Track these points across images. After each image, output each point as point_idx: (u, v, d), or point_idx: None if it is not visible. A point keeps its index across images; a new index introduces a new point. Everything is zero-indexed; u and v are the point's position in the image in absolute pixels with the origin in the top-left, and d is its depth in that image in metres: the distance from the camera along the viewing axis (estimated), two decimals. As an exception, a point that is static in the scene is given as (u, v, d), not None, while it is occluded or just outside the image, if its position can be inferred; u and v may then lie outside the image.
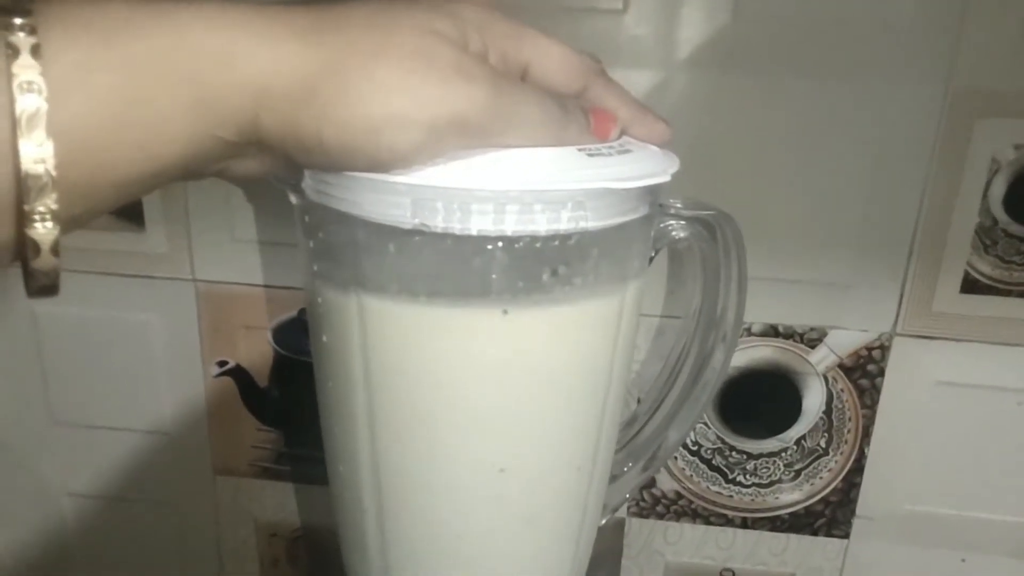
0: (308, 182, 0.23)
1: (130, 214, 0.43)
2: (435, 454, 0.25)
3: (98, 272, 0.45)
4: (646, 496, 0.47)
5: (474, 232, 0.22)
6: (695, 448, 0.46)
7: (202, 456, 0.49)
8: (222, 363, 0.46)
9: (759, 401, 0.44)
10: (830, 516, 0.46)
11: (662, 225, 0.29)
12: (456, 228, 0.22)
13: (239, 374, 0.46)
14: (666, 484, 0.46)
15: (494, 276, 0.22)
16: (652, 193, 0.26)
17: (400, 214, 0.22)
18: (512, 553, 0.27)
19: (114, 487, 0.50)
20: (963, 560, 0.46)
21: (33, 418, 0.49)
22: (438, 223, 0.22)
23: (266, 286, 0.44)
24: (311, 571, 0.51)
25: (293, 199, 0.25)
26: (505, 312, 0.22)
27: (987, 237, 0.40)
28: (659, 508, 0.47)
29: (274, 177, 0.24)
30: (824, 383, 0.43)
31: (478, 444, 0.24)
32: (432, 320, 0.23)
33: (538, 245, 0.23)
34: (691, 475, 0.46)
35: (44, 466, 0.50)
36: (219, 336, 0.46)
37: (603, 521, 0.32)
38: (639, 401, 0.41)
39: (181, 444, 0.48)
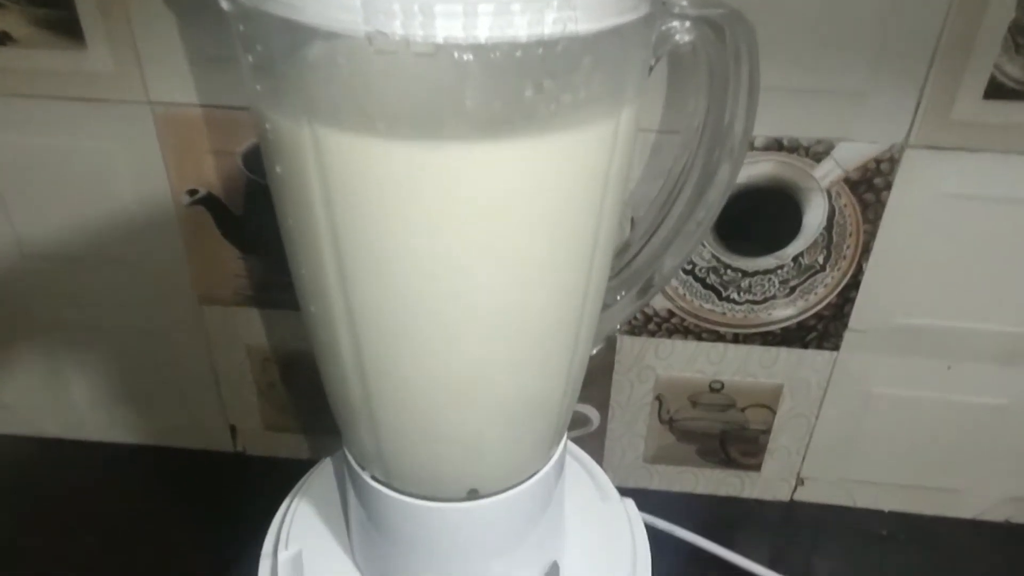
0: (238, -20, 0.19)
1: (66, 28, 0.37)
2: (410, 298, 0.22)
3: (46, 96, 0.40)
4: (638, 315, 0.45)
5: (440, 40, 0.18)
6: (689, 267, 0.43)
7: (184, 287, 0.46)
8: (192, 192, 0.42)
9: (758, 218, 0.41)
10: (822, 330, 0.44)
11: (664, 28, 0.24)
12: (418, 35, 0.17)
13: (212, 203, 0.42)
14: (659, 303, 0.44)
15: (466, 96, 0.18)
16: (654, -13, 0.21)
17: (350, 19, 0.18)
18: (501, 387, 0.25)
19: (99, 318, 0.48)
20: (948, 368, 0.45)
21: (2, 253, 0.46)
22: (396, 29, 0.17)
23: (230, 107, 0.39)
24: (308, 393, 0.50)
25: (223, 3, 0.20)
26: (481, 142, 0.19)
27: (1022, 35, 0.35)
28: (651, 326, 0.45)
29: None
30: (827, 198, 0.40)
31: (458, 286, 0.21)
32: (395, 154, 0.19)
33: (518, 55, 0.18)
34: (684, 294, 0.44)
35: (18, 299, 0.48)
36: (186, 163, 0.41)
37: (594, 351, 0.29)
38: (633, 223, 0.38)
39: (161, 275, 0.45)
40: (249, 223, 0.43)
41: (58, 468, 0.53)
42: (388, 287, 0.21)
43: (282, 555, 0.32)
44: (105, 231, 0.44)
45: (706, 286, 0.43)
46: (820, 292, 0.43)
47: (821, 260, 0.42)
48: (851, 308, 0.44)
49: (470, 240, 0.20)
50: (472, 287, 0.22)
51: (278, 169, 0.22)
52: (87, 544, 0.47)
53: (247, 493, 0.49)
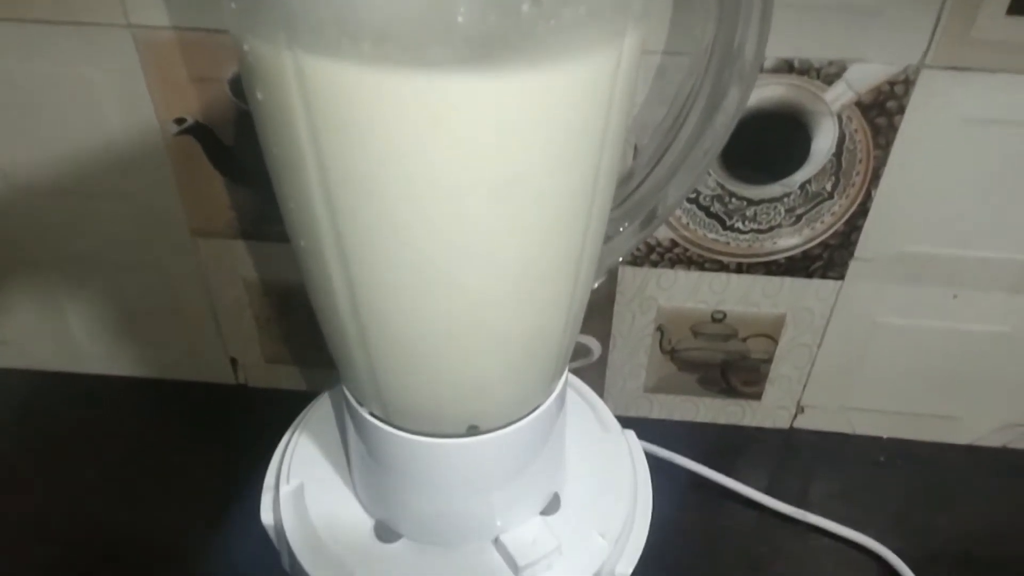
0: None
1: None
2: (403, 231, 0.20)
3: (17, 19, 0.38)
4: (640, 245, 0.44)
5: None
6: (693, 196, 0.42)
7: (177, 219, 0.45)
8: (180, 120, 0.40)
9: (765, 145, 0.39)
10: (827, 259, 0.43)
11: (672, -63, 0.23)
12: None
13: (201, 132, 0.41)
14: (661, 232, 0.43)
15: (459, 8, 0.16)
16: None
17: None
18: (500, 322, 0.24)
19: (92, 252, 0.47)
20: (955, 296, 0.45)
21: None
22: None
23: (215, 31, 0.38)
24: (307, 326, 0.49)
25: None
26: (476, 65, 0.17)
27: (1051, -57, 0.32)
28: (653, 257, 0.44)
29: None
30: (837, 123, 0.38)
31: (452, 218, 0.20)
32: (384, 80, 0.17)
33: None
34: (688, 223, 0.43)
35: (8, 233, 0.47)
36: (171, 90, 0.40)
37: (596, 285, 0.29)
38: (636, 151, 0.37)
39: (153, 207, 0.44)
40: (240, 153, 0.42)
41: (61, 401, 0.53)
42: (379, 219, 0.20)
43: (284, 489, 0.31)
44: (91, 162, 0.42)
45: (710, 215, 0.42)
46: (827, 220, 0.42)
47: (829, 187, 0.41)
48: (858, 236, 0.42)
49: (464, 170, 0.19)
50: (467, 218, 0.20)
51: (259, 96, 0.20)
52: (90, 476, 0.47)
53: (250, 425, 0.49)
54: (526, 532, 0.29)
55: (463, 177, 0.19)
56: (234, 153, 0.42)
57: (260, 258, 0.47)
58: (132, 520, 0.45)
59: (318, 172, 0.20)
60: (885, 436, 0.51)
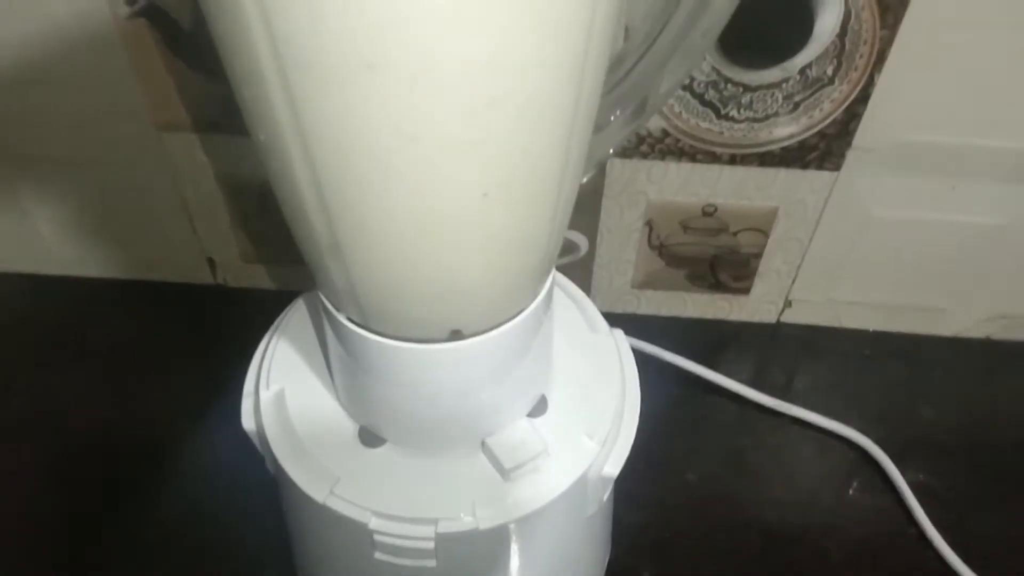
0: None
1: None
2: (370, 117, 0.18)
3: None
4: (630, 136, 0.41)
5: None
6: (687, 82, 0.39)
7: (139, 112, 0.42)
8: (131, 1, 0.37)
9: (764, 25, 0.36)
10: (824, 149, 0.41)
11: None
12: None
13: (155, 13, 0.37)
14: (652, 122, 0.41)
15: None
16: None
17: None
18: (481, 220, 0.22)
19: (53, 149, 0.44)
20: (952, 188, 0.43)
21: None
22: None
23: None
24: (284, 224, 0.47)
25: None
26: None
27: None
28: (643, 148, 0.42)
29: None
30: (843, 1, 0.35)
31: (424, 99, 0.18)
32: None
33: None
34: (680, 112, 0.40)
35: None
36: (119, -33, 0.36)
37: (585, 179, 0.26)
38: (627, 33, 0.34)
39: (111, 100, 0.41)
40: (201, 38, 0.38)
41: (35, 303, 0.51)
42: (342, 103, 0.18)
43: (264, 394, 0.30)
44: (39, 50, 0.39)
45: (704, 103, 0.40)
46: (826, 108, 0.39)
47: (830, 72, 0.38)
48: (857, 125, 0.40)
49: (435, 43, 0.17)
50: (441, 101, 0.18)
51: (202, -35, 0.17)
52: (70, 376, 0.46)
53: (230, 325, 0.47)
54: (513, 435, 0.28)
55: (434, 50, 0.17)
56: (194, 38, 0.38)
57: (232, 154, 0.44)
58: (113, 420, 0.44)
59: (270, 49, 0.17)
60: (872, 329, 0.51)
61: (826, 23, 0.36)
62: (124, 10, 0.37)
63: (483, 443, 0.28)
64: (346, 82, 0.17)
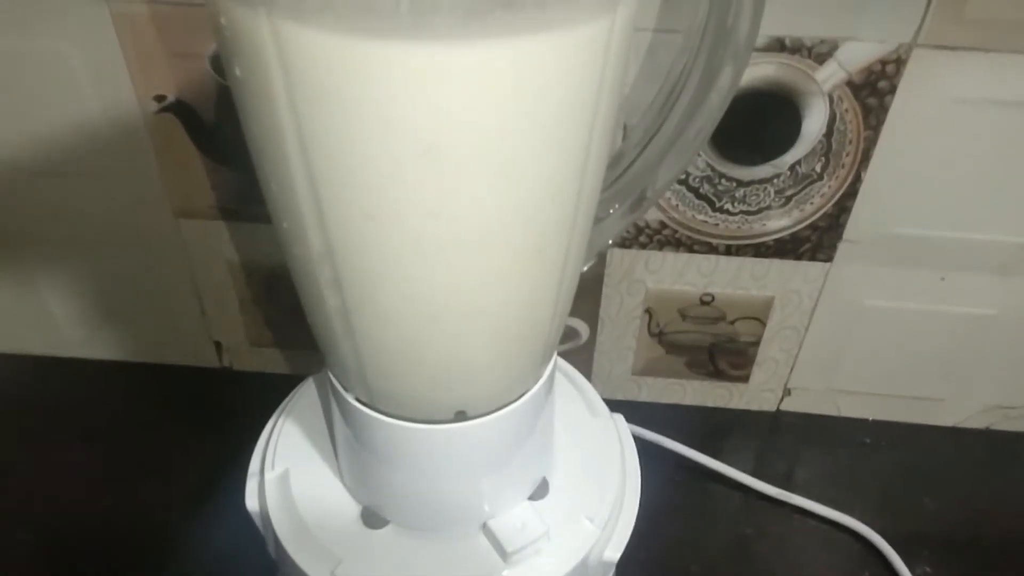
0: None
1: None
2: (388, 212, 0.20)
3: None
4: (629, 227, 0.43)
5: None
6: (683, 177, 0.41)
7: (159, 200, 0.43)
8: (160, 98, 0.39)
9: (755, 125, 0.39)
10: (816, 241, 0.43)
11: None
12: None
13: (181, 110, 0.39)
14: (650, 214, 0.42)
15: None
16: None
17: None
18: (488, 306, 0.23)
19: (73, 233, 0.46)
20: (942, 279, 0.44)
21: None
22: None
23: (193, 4, 0.36)
24: (292, 308, 0.48)
25: None
26: (462, 39, 0.16)
27: (1048, -80, 0.32)
28: (642, 238, 0.43)
29: None
30: (828, 103, 0.38)
31: (438, 197, 0.19)
32: (367, 54, 0.16)
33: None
34: (677, 204, 0.42)
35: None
36: (151, 67, 0.38)
37: (585, 268, 0.28)
38: (626, 132, 0.36)
39: (134, 188, 0.43)
40: (222, 132, 0.40)
41: (42, 385, 0.51)
42: (363, 200, 0.19)
43: (269, 475, 0.31)
44: (69, 141, 0.41)
45: (699, 196, 0.41)
46: (816, 202, 0.41)
47: (819, 168, 0.40)
48: (847, 218, 0.42)
49: (451, 148, 0.18)
50: (453, 198, 0.20)
51: (237, 71, 0.19)
52: (72, 461, 0.46)
53: (235, 409, 0.48)
54: (514, 518, 0.29)
55: (451, 154, 0.18)
56: (215, 132, 0.40)
57: (244, 240, 0.45)
58: (115, 505, 0.44)
59: (299, 149, 0.19)
60: (871, 418, 0.51)
61: (813, 124, 0.38)
62: (153, 106, 0.39)
63: (485, 525, 0.29)
64: (369, 187, 0.19)
